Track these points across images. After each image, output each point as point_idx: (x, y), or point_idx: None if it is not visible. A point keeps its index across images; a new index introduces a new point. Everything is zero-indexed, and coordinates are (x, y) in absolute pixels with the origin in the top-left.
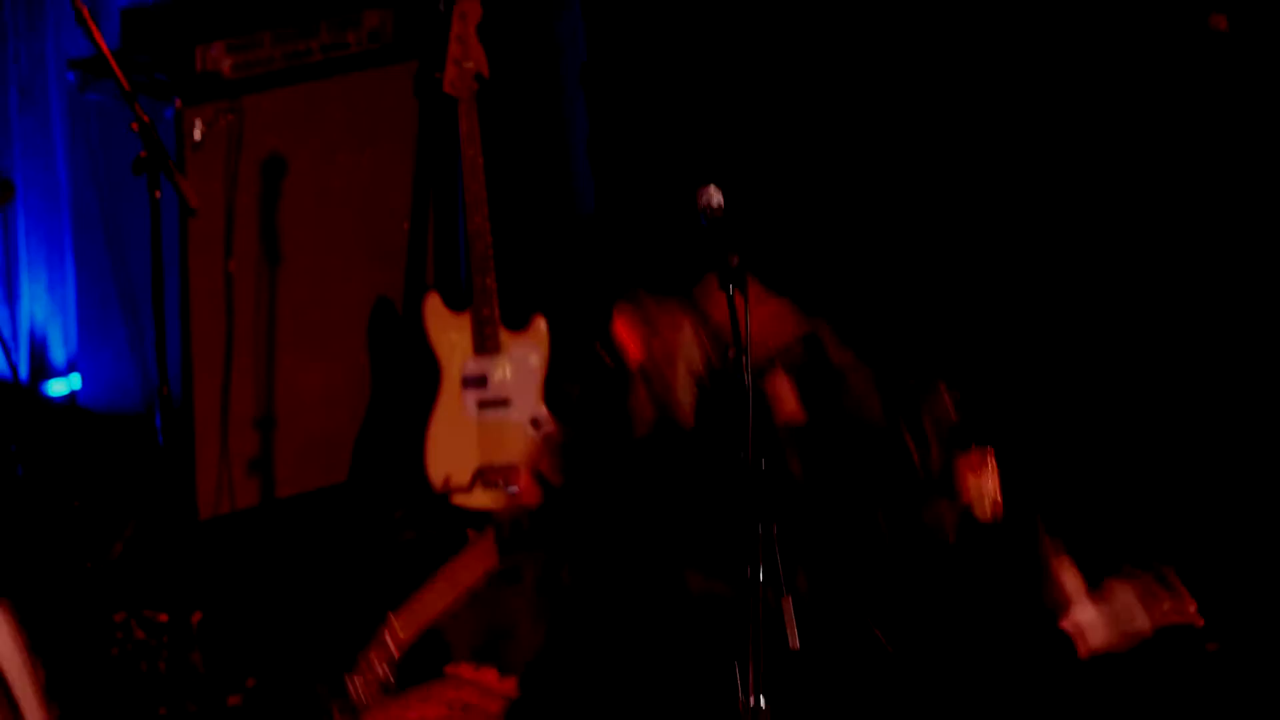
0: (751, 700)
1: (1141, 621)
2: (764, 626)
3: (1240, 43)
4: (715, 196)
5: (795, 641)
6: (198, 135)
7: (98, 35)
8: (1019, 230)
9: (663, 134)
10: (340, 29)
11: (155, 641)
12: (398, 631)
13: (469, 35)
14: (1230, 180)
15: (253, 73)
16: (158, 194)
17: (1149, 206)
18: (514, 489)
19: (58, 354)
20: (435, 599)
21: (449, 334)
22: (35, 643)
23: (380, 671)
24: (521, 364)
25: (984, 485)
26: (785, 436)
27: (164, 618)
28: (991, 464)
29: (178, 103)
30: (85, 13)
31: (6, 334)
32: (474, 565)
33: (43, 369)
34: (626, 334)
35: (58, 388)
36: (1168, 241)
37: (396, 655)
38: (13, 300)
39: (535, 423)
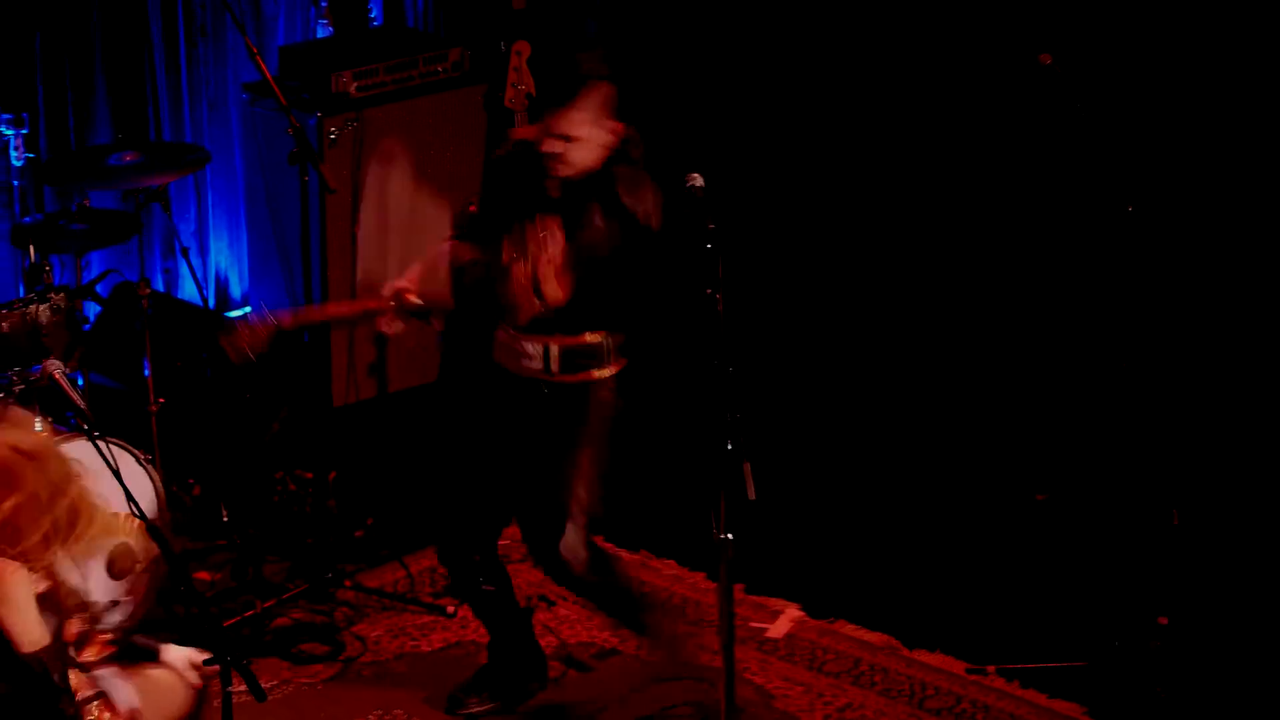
0: (721, 535)
1: None
2: (731, 485)
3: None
4: (699, 180)
5: (752, 494)
6: (333, 137)
7: (263, 66)
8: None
9: (658, 136)
10: (432, 62)
11: (303, 492)
12: (285, 318)
13: (522, 66)
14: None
15: (371, 93)
16: (305, 178)
17: None
18: None
19: (235, 290)
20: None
21: None
22: (220, 494)
23: (259, 329)
24: None
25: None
26: None
27: (309, 475)
28: None
29: (319, 114)
30: (255, 51)
31: (200, 276)
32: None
33: (224, 300)
34: None
35: (235, 313)
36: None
37: (271, 328)
38: (204, 253)
39: None
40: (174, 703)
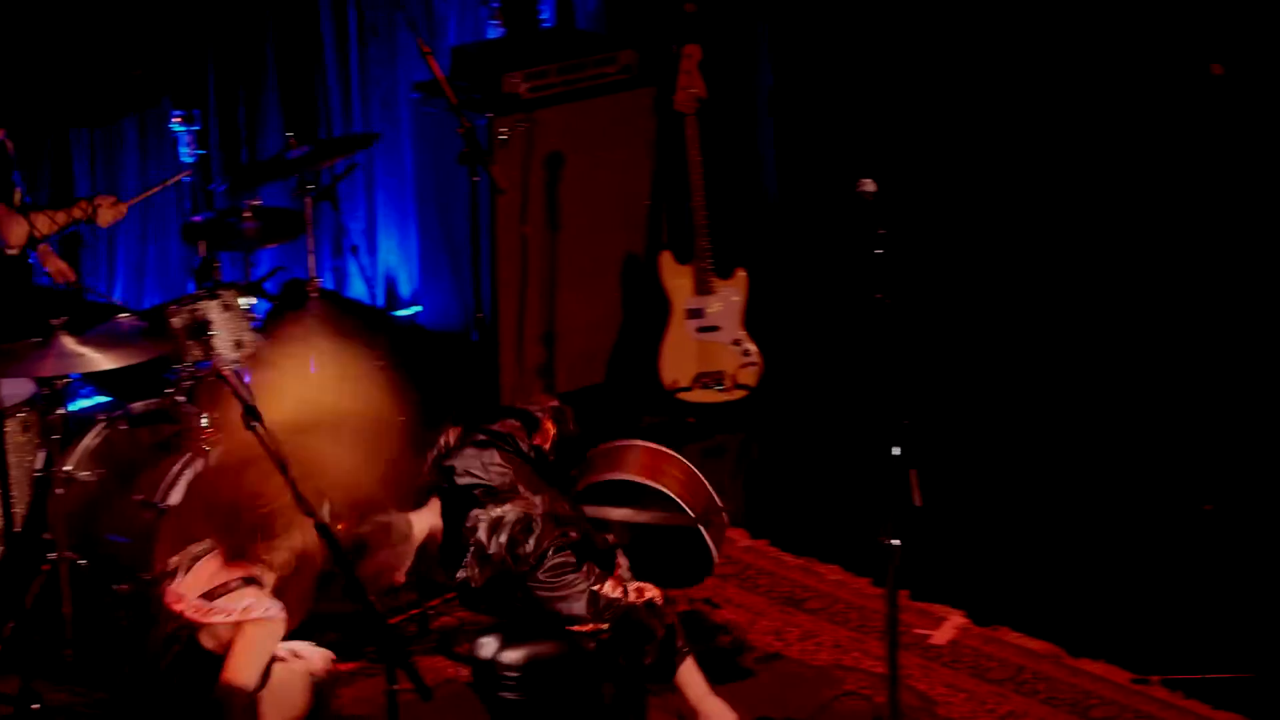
0: (888, 541)
1: None
2: (898, 491)
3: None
4: (870, 185)
5: (918, 500)
6: (503, 137)
7: (434, 66)
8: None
9: (825, 140)
10: (602, 64)
11: None
12: None
13: (693, 69)
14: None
15: (542, 94)
16: (475, 178)
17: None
18: (720, 387)
19: (404, 289)
20: None
21: (676, 279)
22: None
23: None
24: (727, 301)
25: None
26: None
27: None
28: None
29: (489, 114)
30: (427, 51)
31: (370, 274)
32: None
33: (393, 300)
34: None
35: (404, 312)
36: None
37: None
38: (373, 252)
39: (737, 343)
40: (295, 698)
